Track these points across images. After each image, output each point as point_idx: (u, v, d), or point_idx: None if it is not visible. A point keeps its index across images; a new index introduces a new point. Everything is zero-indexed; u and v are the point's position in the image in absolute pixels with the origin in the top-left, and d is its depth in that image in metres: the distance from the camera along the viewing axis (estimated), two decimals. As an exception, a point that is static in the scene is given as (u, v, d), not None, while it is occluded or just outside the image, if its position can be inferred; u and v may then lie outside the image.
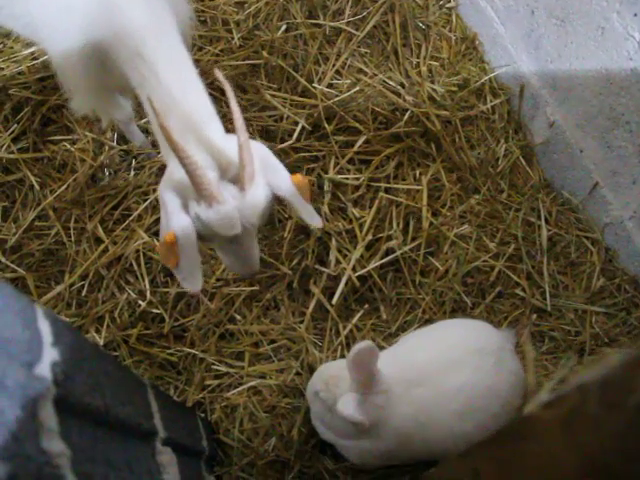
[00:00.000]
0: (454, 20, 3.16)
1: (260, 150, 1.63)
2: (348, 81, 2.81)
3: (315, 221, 1.71)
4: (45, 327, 1.00)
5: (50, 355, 0.98)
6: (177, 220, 1.53)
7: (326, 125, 2.65)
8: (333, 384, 1.83)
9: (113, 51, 1.76)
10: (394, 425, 1.83)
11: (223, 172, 1.53)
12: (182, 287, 1.63)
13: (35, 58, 2.81)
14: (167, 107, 1.52)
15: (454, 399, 1.83)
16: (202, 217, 1.51)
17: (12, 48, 2.88)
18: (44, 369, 0.94)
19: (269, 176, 1.61)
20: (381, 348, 2.25)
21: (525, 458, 0.95)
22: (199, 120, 1.57)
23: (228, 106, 1.52)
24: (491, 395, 1.84)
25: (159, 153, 2.60)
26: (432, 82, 2.89)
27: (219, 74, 1.55)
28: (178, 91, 1.59)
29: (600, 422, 0.69)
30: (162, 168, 2.61)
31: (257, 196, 1.55)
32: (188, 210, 1.54)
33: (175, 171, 1.54)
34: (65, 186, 2.57)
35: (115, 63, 1.78)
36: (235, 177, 1.53)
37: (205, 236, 1.58)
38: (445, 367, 1.88)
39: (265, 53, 2.78)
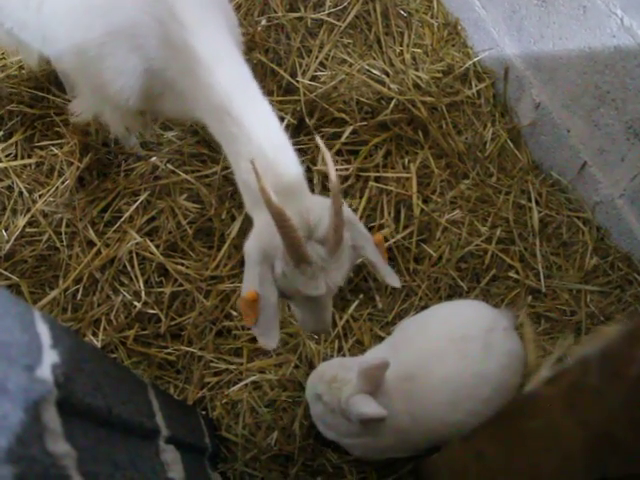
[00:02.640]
0: (435, 6, 3.16)
1: (346, 213, 1.63)
2: (332, 72, 2.81)
3: (394, 281, 1.76)
4: (44, 330, 1.00)
5: (50, 357, 0.97)
6: (261, 280, 1.58)
7: (307, 119, 2.66)
8: (336, 387, 1.82)
9: (188, 100, 1.82)
10: (391, 422, 1.84)
11: (310, 233, 1.55)
12: (260, 343, 1.65)
13: (22, 67, 2.81)
14: (260, 167, 1.51)
15: (440, 391, 1.84)
16: (289, 276, 1.55)
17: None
18: (45, 371, 0.94)
19: (354, 237, 1.65)
20: (378, 337, 2.26)
21: (529, 435, 0.95)
22: (291, 181, 1.61)
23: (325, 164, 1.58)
24: (479, 382, 1.84)
25: (148, 155, 2.60)
26: (416, 69, 2.90)
27: (320, 142, 1.60)
28: (270, 151, 1.62)
29: (602, 394, 0.70)
30: (153, 170, 2.61)
31: (344, 259, 1.59)
32: (273, 268, 1.58)
33: (264, 230, 1.58)
34: (54, 189, 2.56)
35: (184, 103, 1.86)
36: (322, 238, 1.55)
37: (287, 293, 1.63)
38: (429, 359, 1.89)
39: (247, 49, 2.77)
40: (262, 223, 1.60)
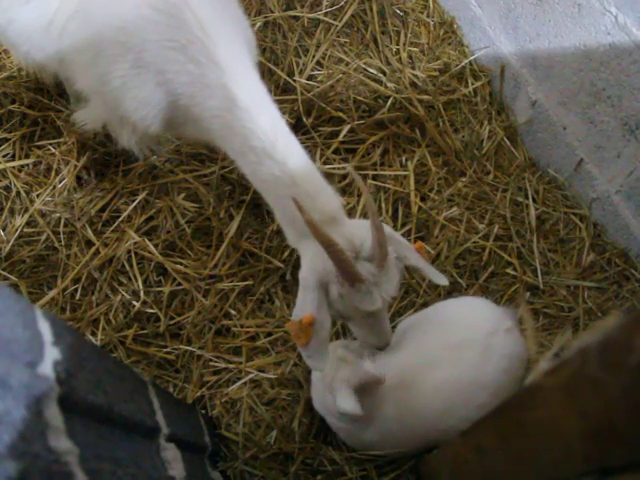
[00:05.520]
0: (431, 5, 3.16)
1: (385, 228, 1.72)
2: (329, 71, 2.81)
3: (441, 280, 1.84)
4: (45, 327, 1.01)
5: (52, 354, 0.98)
6: (318, 306, 1.68)
7: (304, 118, 2.67)
8: (337, 365, 1.83)
9: (214, 136, 1.91)
10: (378, 424, 1.86)
11: (357, 253, 1.67)
12: (308, 366, 1.76)
13: (21, 69, 2.81)
14: (306, 205, 1.61)
15: (433, 399, 1.85)
16: (346, 296, 1.67)
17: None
18: (46, 368, 0.95)
19: (396, 249, 1.76)
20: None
21: (528, 427, 0.96)
22: (334, 211, 1.74)
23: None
24: (475, 388, 1.84)
25: (149, 156, 2.60)
26: (413, 68, 2.91)
27: (355, 175, 1.76)
28: (314, 191, 1.73)
29: (602, 384, 0.70)
30: (151, 170, 2.61)
31: (393, 271, 1.71)
32: (328, 293, 1.69)
33: (316, 258, 1.69)
34: (51, 189, 2.56)
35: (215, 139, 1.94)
36: (369, 256, 1.66)
37: (345, 314, 1.76)
38: (423, 368, 1.89)
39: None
40: (312, 253, 1.71)
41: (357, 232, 1.69)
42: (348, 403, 1.72)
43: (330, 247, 1.54)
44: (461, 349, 1.88)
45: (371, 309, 1.68)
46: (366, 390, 1.77)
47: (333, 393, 1.78)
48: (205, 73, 1.77)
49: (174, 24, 1.78)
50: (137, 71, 1.87)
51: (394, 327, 2.21)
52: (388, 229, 1.76)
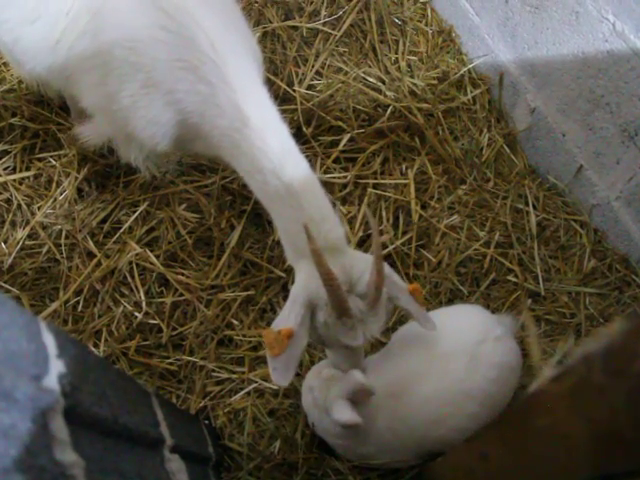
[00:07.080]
0: (429, 14, 3.19)
1: (384, 268, 1.72)
2: (328, 81, 2.83)
3: (429, 326, 1.83)
4: (49, 340, 1.01)
5: (56, 367, 0.98)
6: (301, 322, 1.65)
7: (304, 128, 2.68)
8: (327, 385, 1.84)
9: (224, 154, 1.89)
10: (374, 435, 1.86)
11: (352, 287, 1.67)
12: (272, 380, 1.69)
13: (21, 82, 2.82)
14: (309, 229, 1.61)
15: (422, 409, 1.85)
16: (330, 326, 1.67)
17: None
18: (52, 381, 0.94)
19: (389, 289, 1.74)
20: (379, 342, 2.26)
21: (534, 434, 0.96)
22: (336, 240, 1.72)
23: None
24: (463, 399, 1.83)
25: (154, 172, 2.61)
26: (412, 77, 2.92)
27: (370, 216, 1.73)
28: (318, 217, 1.71)
29: (606, 390, 0.70)
30: (152, 181, 2.61)
31: (382, 312, 1.71)
32: (314, 316, 1.68)
33: (311, 280, 1.67)
34: (52, 201, 2.57)
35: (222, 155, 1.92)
36: (363, 293, 1.67)
37: (326, 340, 1.75)
38: (411, 379, 1.89)
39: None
40: (308, 274, 1.69)
41: (356, 265, 1.69)
42: (344, 414, 1.72)
43: (329, 281, 1.54)
44: (448, 359, 1.88)
45: (351, 344, 1.69)
46: (359, 401, 1.77)
47: (329, 412, 1.79)
48: (216, 93, 1.78)
49: (184, 44, 1.79)
50: (147, 90, 1.87)
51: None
52: (387, 268, 1.75)
